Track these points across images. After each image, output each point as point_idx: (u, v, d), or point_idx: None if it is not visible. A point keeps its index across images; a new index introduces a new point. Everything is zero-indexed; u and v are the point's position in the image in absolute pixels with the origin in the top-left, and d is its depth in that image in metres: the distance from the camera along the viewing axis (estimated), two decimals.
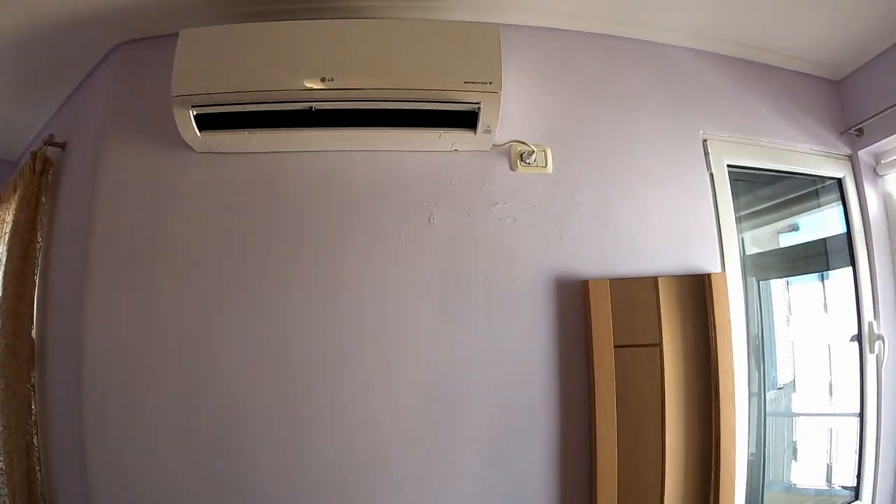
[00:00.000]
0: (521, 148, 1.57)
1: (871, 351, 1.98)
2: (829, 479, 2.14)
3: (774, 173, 2.02)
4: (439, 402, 1.44)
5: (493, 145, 1.56)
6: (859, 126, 2.05)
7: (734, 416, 1.56)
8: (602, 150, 1.63)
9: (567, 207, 1.56)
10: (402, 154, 1.54)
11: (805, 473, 2.19)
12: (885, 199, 2.13)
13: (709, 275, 1.60)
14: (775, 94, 1.99)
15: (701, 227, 1.70)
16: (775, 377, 2.10)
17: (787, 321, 2.20)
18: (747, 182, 2.01)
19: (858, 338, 2.01)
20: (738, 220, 2.00)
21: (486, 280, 1.49)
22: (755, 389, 1.93)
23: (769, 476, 2.01)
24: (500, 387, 1.46)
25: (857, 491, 1.99)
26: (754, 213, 2.20)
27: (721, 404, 1.54)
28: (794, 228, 2.31)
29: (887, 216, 2.12)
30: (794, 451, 2.17)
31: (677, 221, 1.66)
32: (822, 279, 2.24)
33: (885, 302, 2.03)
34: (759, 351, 2.01)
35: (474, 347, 1.46)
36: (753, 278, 2.08)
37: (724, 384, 1.56)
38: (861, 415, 1.99)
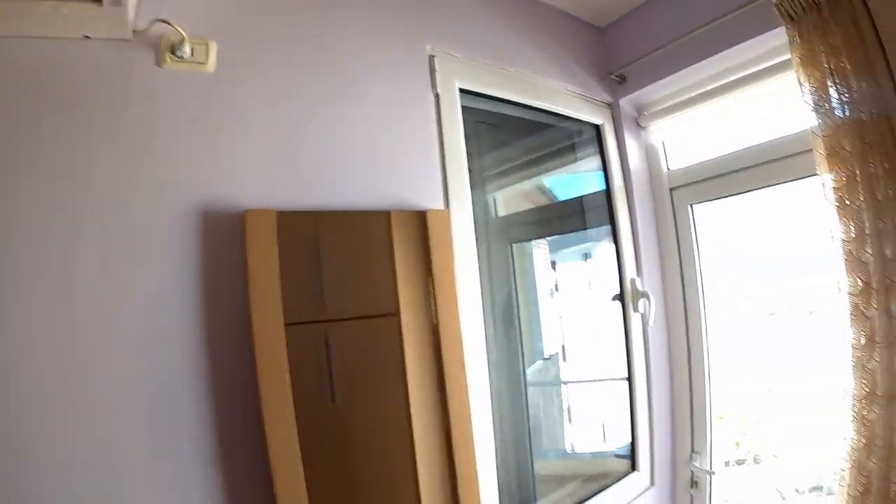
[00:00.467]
0: (172, 37, 1.10)
1: (636, 310, 1.82)
2: (604, 442, 2.04)
3: (528, 121, 1.80)
4: None
5: (135, 32, 1.07)
6: (621, 72, 1.92)
7: (465, 385, 1.25)
8: (295, 53, 1.21)
9: (233, 119, 1.11)
10: (7, 41, 0.99)
11: (582, 439, 2.09)
12: (648, 152, 2.02)
13: (425, 211, 1.26)
14: (535, 29, 1.76)
15: (423, 155, 1.38)
16: (541, 346, 1.93)
17: (549, 285, 2.01)
18: (493, 127, 1.76)
19: (621, 297, 1.85)
20: (485, 169, 1.76)
21: (102, 211, 0.98)
22: (508, 357, 1.72)
23: (543, 444, 1.87)
24: (123, 365, 0.96)
25: (633, 459, 1.82)
26: (508, 169, 1.98)
27: (448, 372, 1.21)
28: (550, 190, 2.14)
29: (649, 169, 2.01)
30: (570, 417, 2.04)
31: (393, 148, 1.31)
32: (584, 240, 2.08)
33: (648, 258, 1.90)
34: (516, 316, 1.78)
35: (84, 306, 0.94)
36: (507, 241, 1.87)
37: (450, 350, 1.23)
38: (629, 378, 1.82)
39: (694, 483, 1.89)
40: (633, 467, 1.84)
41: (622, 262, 1.85)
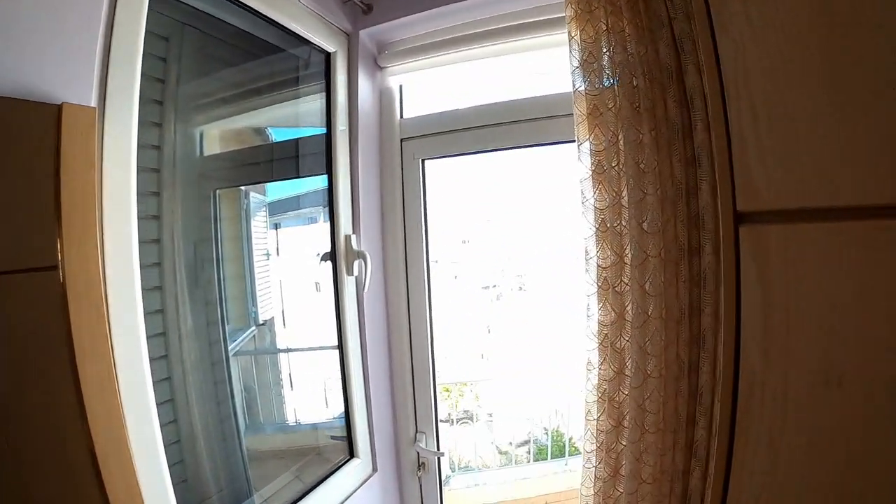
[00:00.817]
0: None
1: (350, 272, 1.53)
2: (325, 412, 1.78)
3: (247, 36, 1.38)
4: None
5: None
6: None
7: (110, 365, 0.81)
8: None
9: None
10: None
11: (303, 410, 1.84)
12: (382, 95, 1.74)
13: (60, 105, 0.76)
14: None
15: (75, 29, 0.83)
16: (256, 311, 1.59)
17: (264, 242, 1.63)
18: (204, 36, 1.31)
19: (332, 256, 1.54)
20: (188, 89, 1.31)
21: None
22: (207, 325, 1.36)
23: (260, 419, 1.64)
24: None
25: (350, 445, 1.54)
26: (218, 96, 1.51)
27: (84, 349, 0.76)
28: (267, 130, 1.73)
29: (380, 115, 1.74)
30: (291, 386, 1.77)
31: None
32: (305, 191, 1.74)
33: (368, 213, 1.63)
34: (218, 277, 1.39)
35: None
36: (210, 186, 1.43)
37: (87, 317, 0.77)
38: (342, 351, 1.54)
39: (421, 465, 1.71)
40: (352, 454, 1.57)
41: (337, 218, 1.54)
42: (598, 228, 1.21)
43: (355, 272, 1.54)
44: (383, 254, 1.68)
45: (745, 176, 0.76)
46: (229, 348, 1.43)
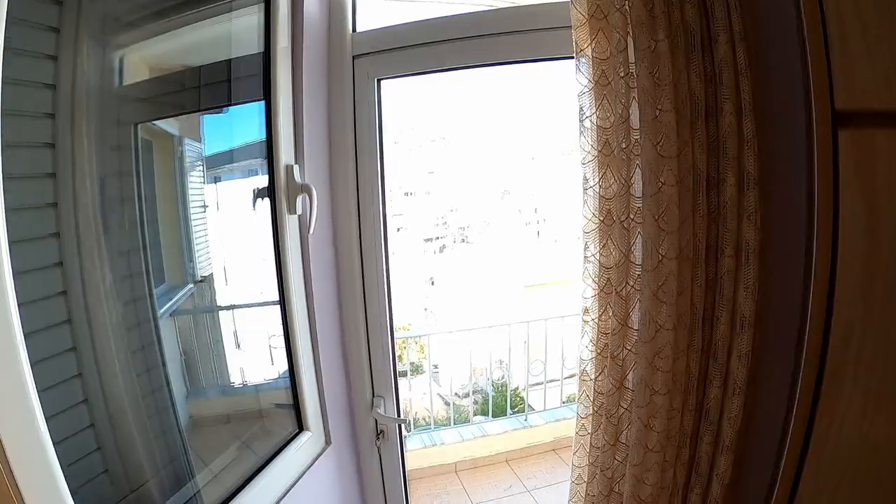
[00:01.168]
0: None
1: (291, 211, 1.25)
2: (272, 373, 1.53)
3: None
4: None
5: None
6: None
7: None
8: None
9: None
10: None
11: (248, 372, 1.55)
12: (332, 6, 1.41)
13: None
14: None
15: None
16: (193, 266, 1.29)
17: (200, 185, 1.31)
18: None
19: (271, 192, 1.25)
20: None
21: None
22: (131, 283, 1.07)
23: (202, 384, 1.36)
24: None
25: (299, 416, 1.31)
26: (142, 13, 1.13)
27: None
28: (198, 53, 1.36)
29: (329, 30, 1.41)
30: (238, 347, 1.49)
31: None
32: (245, 122, 1.41)
33: (314, 141, 1.34)
34: (142, 228, 1.08)
35: None
36: (129, 121, 1.09)
37: None
38: (283, 303, 1.28)
39: (380, 433, 1.50)
40: (301, 426, 1.33)
41: (276, 145, 1.24)
42: (599, 151, 0.99)
43: (298, 210, 1.25)
44: (331, 190, 1.40)
45: (846, 68, 0.55)
46: (159, 308, 1.14)
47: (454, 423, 3.62)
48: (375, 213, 1.39)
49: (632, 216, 0.98)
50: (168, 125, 1.25)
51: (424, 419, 4.41)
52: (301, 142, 1.28)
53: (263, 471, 1.18)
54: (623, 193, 0.98)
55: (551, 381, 3.69)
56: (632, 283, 0.99)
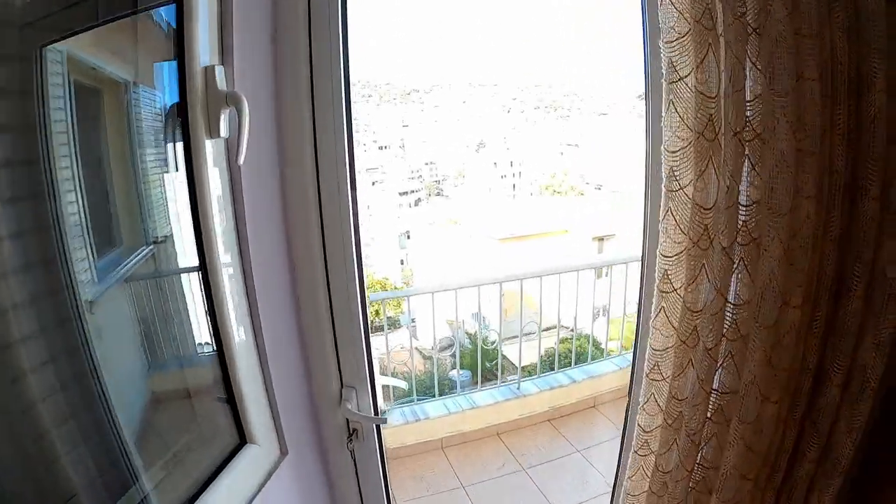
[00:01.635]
0: None
1: (213, 133, 0.84)
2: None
3: None
4: None
5: None
6: None
7: None
8: None
9: None
10: None
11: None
12: None
13: None
14: None
15: None
16: (149, 226, 1.00)
17: (151, 123, 0.96)
18: None
19: (181, 108, 0.83)
20: None
21: None
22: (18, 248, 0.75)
23: (167, 356, 1.08)
24: None
25: (238, 425, 0.95)
26: None
27: None
28: None
29: None
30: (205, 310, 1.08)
31: None
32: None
33: (249, 33, 0.92)
34: (69, 184, 0.81)
35: None
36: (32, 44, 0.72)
37: None
38: (203, 268, 0.89)
39: (352, 433, 1.14)
40: (243, 438, 0.97)
41: (189, 38, 0.81)
42: (700, 135, 0.63)
43: (223, 132, 0.84)
44: (276, 105, 0.98)
45: None
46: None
47: (437, 386, 3.35)
48: (338, 135, 0.97)
49: (739, 239, 0.62)
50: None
51: (403, 375, 4.17)
52: (230, 32, 0.86)
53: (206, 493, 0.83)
54: (731, 204, 0.61)
55: (527, 334, 3.45)
56: (754, 229, 0.63)
